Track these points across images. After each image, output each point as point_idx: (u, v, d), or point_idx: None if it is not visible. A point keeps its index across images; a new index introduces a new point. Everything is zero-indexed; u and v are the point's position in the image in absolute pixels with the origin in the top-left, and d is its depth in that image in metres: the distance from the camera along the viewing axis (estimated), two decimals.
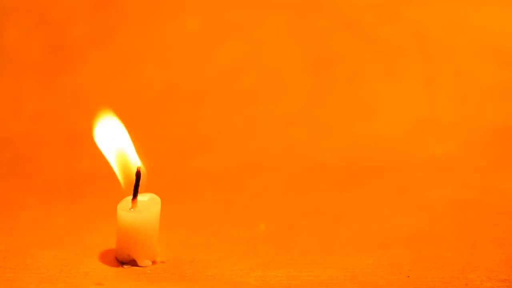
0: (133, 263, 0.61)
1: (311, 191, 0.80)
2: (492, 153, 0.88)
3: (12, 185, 0.79)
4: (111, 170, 0.63)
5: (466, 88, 0.94)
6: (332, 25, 0.96)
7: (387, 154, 0.88)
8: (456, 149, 0.89)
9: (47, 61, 0.92)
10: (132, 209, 0.61)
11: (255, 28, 0.96)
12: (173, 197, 0.76)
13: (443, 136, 0.91)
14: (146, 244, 0.61)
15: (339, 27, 0.96)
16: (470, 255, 0.65)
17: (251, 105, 0.93)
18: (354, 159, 0.88)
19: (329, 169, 0.86)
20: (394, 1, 0.96)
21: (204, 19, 0.96)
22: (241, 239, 0.68)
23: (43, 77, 0.92)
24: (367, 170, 0.85)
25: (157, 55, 0.95)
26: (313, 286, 0.59)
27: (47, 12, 0.94)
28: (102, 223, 0.69)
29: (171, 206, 0.71)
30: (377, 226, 0.71)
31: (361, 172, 0.85)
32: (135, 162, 0.62)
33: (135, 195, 0.61)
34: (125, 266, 0.61)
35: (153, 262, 0.62)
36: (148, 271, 0.60)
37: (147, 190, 0.62)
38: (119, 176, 0.62)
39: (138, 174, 0.61)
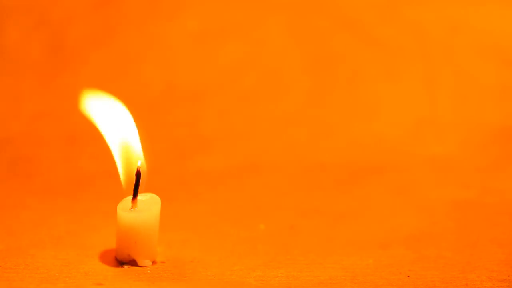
0: (133, 263, 0.61)
1: (311, 191, 0.80)
2: (492, 153, 0.88)
3: (12, 185, 0.79)
4: (111, 170, 0.63)
5: (466, 88, 0.94)
6: (332, 25, 0.96)
7: (387, 154, 0.88)
8: (456, 149, 0.89)
9: (47, 61, 0.92)
10: (132, 209, 0.61)
11: (255, 28, 0.96)
12: (173, 197, 0.76)
13: (443, 136, 0.91)
14: (146, 244, 0.61)
15: (339, 27, 0.96)
16: (470, 255, 0.65)
17: (251, 105, 0.93)
18: (354, 159, 0.88)
19: (329, 169, 0.86)
20: (394, 1, 0.96)
21: (204, 19, 0.96)
22: (241, 239, 0.68)
23: (43, 77, 0.92)
24: (367, 170, 0.85)
25: (157, 55, 0.95)
26: (313, 286, 0.59)
27: (47, 12, 0.94)
28: (102, 223, 0.69)
29: (171, 206, 0.71)
30: (377, 226, 0.71)
31: (361, 172, 0.85)
32: (138, 157, 0.62)
33: (135, 195, 0.61)
34: (125, 266, 0.61)
35: (153, 262, 0.62)
36: (148, 271, 0.60)
37: (147, 190, 0.62)
38: (121, 171, 0.62)
39: (138, 174, 0.61)
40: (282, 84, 0.95)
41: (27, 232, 0.67)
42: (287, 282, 0.60)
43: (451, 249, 0.66)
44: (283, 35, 0.96)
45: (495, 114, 0.92)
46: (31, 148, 0.86)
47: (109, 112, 0.63)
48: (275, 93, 0.94)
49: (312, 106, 0.93)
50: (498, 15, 0.96)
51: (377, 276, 0.61)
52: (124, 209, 0.61)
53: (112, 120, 0.63)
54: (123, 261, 0.61)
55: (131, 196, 0.61)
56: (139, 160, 0.62)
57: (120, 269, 0.61)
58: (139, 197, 0.61)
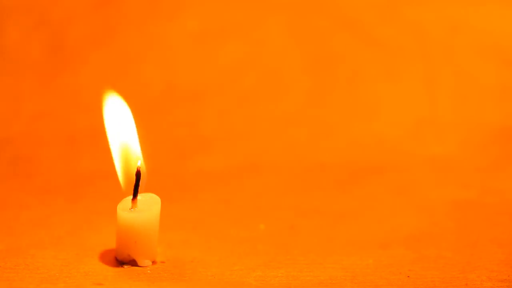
0: (133, 263, 0.61)
1: (311, 191, 0.80)
2: (492, 153, 0.88)
3: (12, 185, 0.79)
4: (111, 170, 0.63)
5: (466, 88, 0.94)
6: (332, 25, 0.96)
7: (387, 154, 0.88)
8: (456, 149, 0.89)
9: (47, 61, 0.92)
10: (132, 209, 0.61)
11: (255, 28, 0.96)
12: (173, 197, 0.76)
13: (443, 136, 0.91)
14: (146, 244, 0.61)
15: (339, 27, 0.96)
16: (470, 255, 0.65)
17: (251, 105, 0.93)
18: (354, 159, 0.88)
19: (329, 169, 0.86)
20: (394, 1, 0.96)
21: (204, 19, 0.96)
22: (241, 239, 0.68)
23: (43, 77, 0.92)
24: (367, 170, 0.85)
25: (157, 55, 0.95)
26: (313, 286, 0.59)
27: (47, 12, 0.94)
28: (102, 223, 0.69)
29: (171, 206, 0.71)
30: (377, 226, 0.71)
31: (361, 172, 0.85)
32: (137, 159, 0.62)
33: (135, 195, 0.61)
34: (125, 266, 0.61)
35: (153, 262, 0.62)
36: (148, 271, 0.60)
37: (147, 190, 0.62)
38: (119, 172, 0.62)
39: (138, 174, 0.61)
40: (282, 84, 0.94)
41: (27, 232, 0.67)
42: (287, 282, 0.60)
43: (451, 249, 0.66)
44: (283, 35, 0.96)
45: (495, 114, 0.92)
46: (31, 148, 0.86)
47: (111, 112, 0.63)
48: (275, 93, 0.94)
49: (312, 106, 0.93)
50: (498, 15, 0.96)
51: (377, 276, 0.61)
52: (124, 209, 0.61)
53: (113, 120, 0.63)
54: (123, 261, 0.61)
55: (131, 196, 0.61)
56: (139, 160, 0.62)
57: (120, 269, 0.61)
58: (139, 197, 0.61)
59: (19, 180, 0.80)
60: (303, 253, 0.65)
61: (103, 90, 0.63)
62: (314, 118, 0.92)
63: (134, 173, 0.61)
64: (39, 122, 0.89)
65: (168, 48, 0.95)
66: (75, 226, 0.69)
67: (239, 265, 0.62)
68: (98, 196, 0.76)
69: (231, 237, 0.68)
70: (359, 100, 0.94)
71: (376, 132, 0.91)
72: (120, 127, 0.62)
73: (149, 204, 0.61)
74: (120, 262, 0.61)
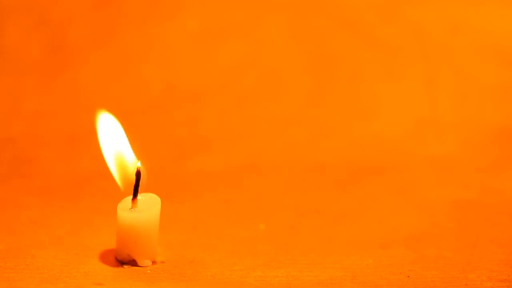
0: (133, 263, 0.61)
1: (311, 191, 0.80)
2: (492, 153, 0.88)
3: (12, 185, 0.79)
4: (110, 171, 0.63)
5: (466, 88, 0.94)
6: (332, 25, 0.96)
7: (387, 154, 0.88)
8: (456, 149, 0.89)
9: (47, 61, 0.92)
10: (132, 209, 0.61)
11: (255, 28, 0.96)
12: (173, 197, 0.76)
13: (443, 136, 0.91)
14: (146, 244, 0.61)
15: (339, 27, 0.96)
16: (470, 255, 0.65)
17: (251, 105, 0.93)
18: (354, 159, 0.88)
19: (329, 169, 0.86)
20: (394, 1, 0.96)
21: (204, 19, 0.96)
22: (241, 239, 0.68)
23: (43, 77, 0.92)
24: (367, 170, 0.85)
25: (157, 55, 0.95)
26: (313, 286, 0.59)
27: (47, 12, 0.94)
28: (102, 223, 0.69)
29: (171, 206, 0.71)
30: (377, 226, 0.71)
31: (361, 172, 0.85)
32: (133, 163, 0.62)
33: (135, 195, 0.61)
34: (125, 266, 0.61)
35: (153, 262, 0.62)
36: (148, 271, 0.60)
37: (147, 190, 0.62)
38: (117, 179, 0.62)
39: (138, 174, 0.61)
40: (282, 84, 0.94)
41: (27, 232, 0.67)
42: (287, 282, 0.60)
43: (451, 249, 0.66)
44: (283, 35, 0.96)
45: (495, 114, 0.92)
46: (31, 148, 0.86)
47: (100, 124, 0.63)
48: (275, 93, 0.94)
49: (312, 106, 0.93)
50: (498, 15, 0.96)
51: (377, 276, 0.61)
52: (124, 209, 0.61)
53: (102, 131, 0.63)
54: (123, 261, 0.61)
55: (131, 196, 0.61)
56: (138, 161, 0.62)
57: (120, 269, 0.61)
58: (139, 197, 0.61)
59: (19, 180, 0.80)
60: (303, 253, 0.65)
61: (95, 111, 0.63)
62: (314, 118, 0.92)
63: (132, 175, 0.61)
64: (39, 122, 0.89)
65: (168, 48, 0.95)
66: (75, 226, 0.69)
67: (239, 265, 0.62)
68: (98, 196, 0.76)
69: (231, 237, 0.68)
70: (359, 100, 0.94)
71: (376, 132, 0.91)
72: (112, 138, 0.62)
73: (149, 204, 0.61)
74: (120, 262, 0.61)
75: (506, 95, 0.93)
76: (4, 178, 0.81)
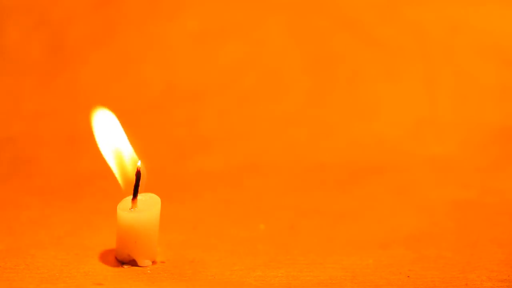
0: (133, 263, 0.61)
1: (311, 191, 0.80)
2: (492, 153, 0.88)
3: (12, 185, 0.79)
4: (111, 170, 0.63)
5: (466, 88, 0.94)
6: (332, 25, 0.96)
7: (387, 154, 0.88)
8: (456, 149, 0.89)
9: (47, 61, 0.92)
10: (132, 209, 0.61)
11: (255, 28, 0.96)
12: (173, 197, 0.76)
13: (443, 136, 0.91)
14: (146, 244, 0.61)
15: (339, 27, 0.96)
16: (470, 255, 0.65)
17: (251, 105, 0.93)
18: (354, 159, 0.88)
19: (329, 169, 0.86)
20: (394, 1, 0.96)
21: (204, 19, 0.96)
22: (241, 239, 0.68)
23: (43, 77, 0.92)
24: (367, 170, 0.85)
25: (157, 55, 0.95)
26: (313, 286, 0.59)
27: (47, 12, 0.94)
28: (102, 223, 0.69)
29: (171, 206, 0.71)
30: (377, 226, 0.71)
31: (361, 172, 0.85)
32: (134, 162, 0.62)
33: (135, 195, 0.61)
34: (125, 266, 0.61)
35: (153, 262, 0.62)
36: (148, 271, 0.60)
37: (147, 190, 0.62)
38: (118, 177, 0.62)
39: (138, 174, 0.61)
40: (282, 84, 0.94)
41: (27, 232, 0.67)
42: (287, 282, 0.60)
43: (451, 249, 0.66)
44: (283, 35, 0.96)
45: (495, 114, 0.92)
46: (31, 148, 0.86)
47: (98, 122, 0.63)
48: (275, 93, 0.94)
49: (312, 106, 0.93)
50: (498, 15, 0.96)
51: (377, 276, 0.61)
52: (124, 209, 0.61)
53: (101, 129, 0.63)
54: (123, 261, 0.61)
55: (131, 196, 0.61)
56: (138, 160, 0.62)
57: (120, 269, 0.61)
58: (139, 197, 0.61)
59: (19, 180, 0.80)
60: (303, 253, 0.65)
61: (92, 107, 0.63)
62: (314, 118, 0.92)
63: (132, 174, 0.61)
64: (39, 122, 0.89)
65: (168, 48, 0.95)
66: (75, 226, 0.69)
67: (239, 265, 0.62)
68: (98, 196, 0.76)
69: (231, 237, 0.68)
70: (359, 100, 0.94)
71: (376, 132, 0.91)
72: (110, 135, 0.62)
73: (149, 204, 0.61)
74: (120, 262, 0.61)
75: (506, 95, 0.93)
76: (4, 178, 0.81)
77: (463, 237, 0.69)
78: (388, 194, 0.79)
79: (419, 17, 0.96)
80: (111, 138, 0.63)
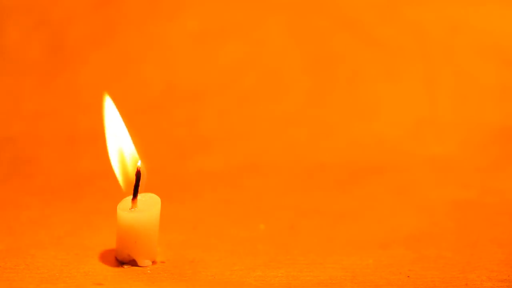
0: (133, 263, 0.61)
1: (311, 191, 0.80)
2: (492, 153, 0.88)
3: (12, 185, 0.79)
4: (111, 170, 0.63)
5: (466, 88, 0.94)
6: (332, 25, 0.96)
7: (387, 154, 0.88)
8: (456, 149, 0.89)
9: (47, 61, 0.92)
10: (132, 209, 0.61)
11: (255, 28, 0.96)
12: (173, 197, 0.76)
13: (443, 136, 0.91)
14: (146, 244, 0.61)
15: (339, 27, 0.96)
16: (470, 255, 0.65)
17: (251, 105, 0.93)
18: (354, 159, 0.88)
19: (329, 169, 0.86)
20: (394, 1, 0.96)
21: (204, 19, 0.96)
22: (241, 239, 0.68)
23: (43, 77, 0.92)
24: (367, 170, 0.85)
25: (157, 55, 0.95)
26: (313, 286, 0.59)
27: (47, 12, 0.94)
28: (102, 223, 0.69)
29: (171, 206, 0.71)
30: (377, 226, 0.71)
31: (361, 172, 0.85)
32: (135, 162, 0.62)
33: (135, 195, 0.61)
34: (125, 266, 0.61)
35: (153, 262, 0.62)
36: (148, 271, 0.60)
37: (147, 190, 0.62)
38: (119, 177, 0.63)
39: (138, 174, 0.61)
40: (282, 84, 0.95)
41: (27, 232, 0.67)
42: (287, 282, 0.60)
43: (451, 249, 0.66)
44: (283, 35, 0.96)
45: (495, 114, 0.92)
46: (31, 148, 0.86)
47: (108, 118, 0.63)
48: (275, 93, 0.94)
49: (312, 106, 0.93)
50: (498, 15, 0.96)
51: (377, 276, 0.61)
52: (124, 209, 0.61)
53: (109, 126, 0.63)
54: (123, 261, 0.61)
55: (131, 196, 0.61)
56: (138, 160, 0.62)
57: (120, 269, 0.61)
58: (139, 197, 0.61)
59: (19, 180, 0.80)
60: (303, 253, 0.65)
61: (101, 94, 0.63)
62: (314, 118, 0.92)
63: (132, 174, 0.61)
64: (39, 122, 0.89)
65: (168, 48, 0.95)
66: (75, 226, 0.69)
67: (239, 265, 0.62)
68: (98, 196, 0.76)
69: (231, 237, 0.68)
70: (359, 100, 0.94)
71: (376, 132, 0.91)
72: (115, 133, 0.62)
73: (149, 204, 0.61)
74: (120, 262, 0.61)
75: (506, 95, 0.93)
76: (4, 178, 0.81)
77: (463, 237, 0.69)
78: (388, 194, 0.79)
79: (419, 17, 0.96)
80: (116, 136, 0.63)
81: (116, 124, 0.63)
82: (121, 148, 0.62)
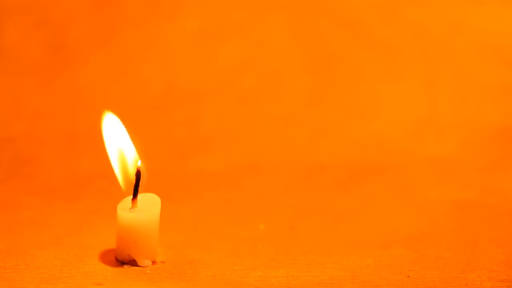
0: (133, 263, 0.61)
1: (311, 191, 0.80)
2: (492, 153, 0.88)
3: (12, 185, 0.79)
4: (111, 170, 0.63)
5: (466, 88, 0.94)
6: (332, 25, 0.96)
7: (387, 154, 0.88)
8: (456, 149, 0.89)
9: (47, 61, 0.92)
10: (132, 209, 0.61)
11: (255, 28, 0.96)
12: (173, 197, 0.76)
13: (443, 136, 0.91)
14: (146, 244, 0.61)
15: (339, 27, 0.96)
16: (470, 255, 0.65)
17: (251, 105, 0.93)
18: (354, 159, 0.88)
19: (329, 169, 0.86)
20: (394, 1, 0.96)
21: (204, 19, 0.96)
22: (241, 239, 0.68)
23: (43, 77, 0.92)
24: (367, 170, 0.85)
25: (157, 55, 0.95)
26: (313, 286, 0.59)
27: (47, 12, 0.94)
28: (102, 223, 0.69)
29: (171, 206, 0.71)
30: (377, 226, 0.71)
31: (361, 172, 0.85)
32: (135, 162, 0.62)
33: (135, 195, 0.61)
34: (125, 266, 0.61)
35: (153, 262, 0.62)
36: (148, 271, 0.60)
37: (147, 190, 0.62)
38: (119, 177, 0.63)
39: (138, 174, 0.61)
40: (282, 84, 0.94)
41: (27, 232, 0.67)
42: (287, 282, 0.60)
43: (451, 249, 0.66)
44: (283, 35, 0.96)
45: (495, 114, 0.92)
46: (31, 148, 0.86)
47: (108, 124, 0.63)
48: (275, 93, 0.94)
49: (312, 106, 0.93)
50: (498, 15, 0.96)
51: (377, 276, 0.61)
52: (124, 209, 0.61)
53: (109, 130, 0.63)
54: (123, 261, 0.61)
55: (131, 196, 0.61)
56: (138, 160, 0.62)
57: (120, 269, 0.61)
58: (139, 197, 0.61)
59: (19, 180, 0.80)
60: (303, 253, 0.65)
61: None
62: (314, 118, 0.92)
63: (133, 174, 0.61)
64: (39, 122, 0.89)
65: (168, 48, 0.95)
66: (75, 226, 0.69)
67: (239, 265, 0.62)
68: (98, 196, 0.76)
69: (231, 237, 0.68)
70: (359, 100, 0.94)
71: (376, 132, 0.91)
72: (115, 135, 0.63)
73: (149, 204, 0.61)
74: (120, 262, 0.61)
75: (506, 95, 0.93)
76: (4, 178, 0.81)
77: (463, 237, 0.69)
78: (388, 194, 0.79)
79: (419, 17, 0.96)
80: (116, 138, 0.63)
81: (116, 124, 0.63)
82: (121, 148, 0.63)
